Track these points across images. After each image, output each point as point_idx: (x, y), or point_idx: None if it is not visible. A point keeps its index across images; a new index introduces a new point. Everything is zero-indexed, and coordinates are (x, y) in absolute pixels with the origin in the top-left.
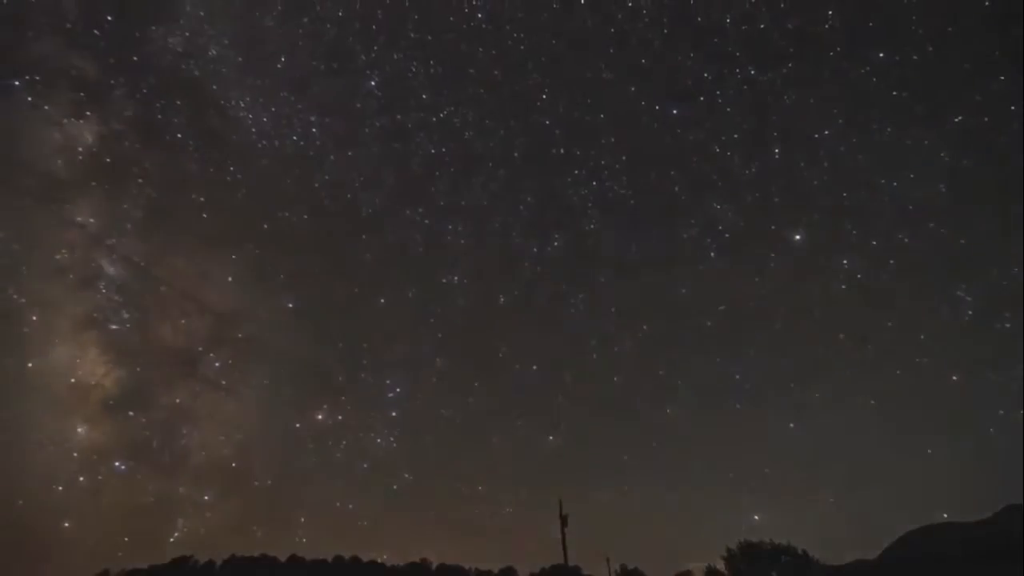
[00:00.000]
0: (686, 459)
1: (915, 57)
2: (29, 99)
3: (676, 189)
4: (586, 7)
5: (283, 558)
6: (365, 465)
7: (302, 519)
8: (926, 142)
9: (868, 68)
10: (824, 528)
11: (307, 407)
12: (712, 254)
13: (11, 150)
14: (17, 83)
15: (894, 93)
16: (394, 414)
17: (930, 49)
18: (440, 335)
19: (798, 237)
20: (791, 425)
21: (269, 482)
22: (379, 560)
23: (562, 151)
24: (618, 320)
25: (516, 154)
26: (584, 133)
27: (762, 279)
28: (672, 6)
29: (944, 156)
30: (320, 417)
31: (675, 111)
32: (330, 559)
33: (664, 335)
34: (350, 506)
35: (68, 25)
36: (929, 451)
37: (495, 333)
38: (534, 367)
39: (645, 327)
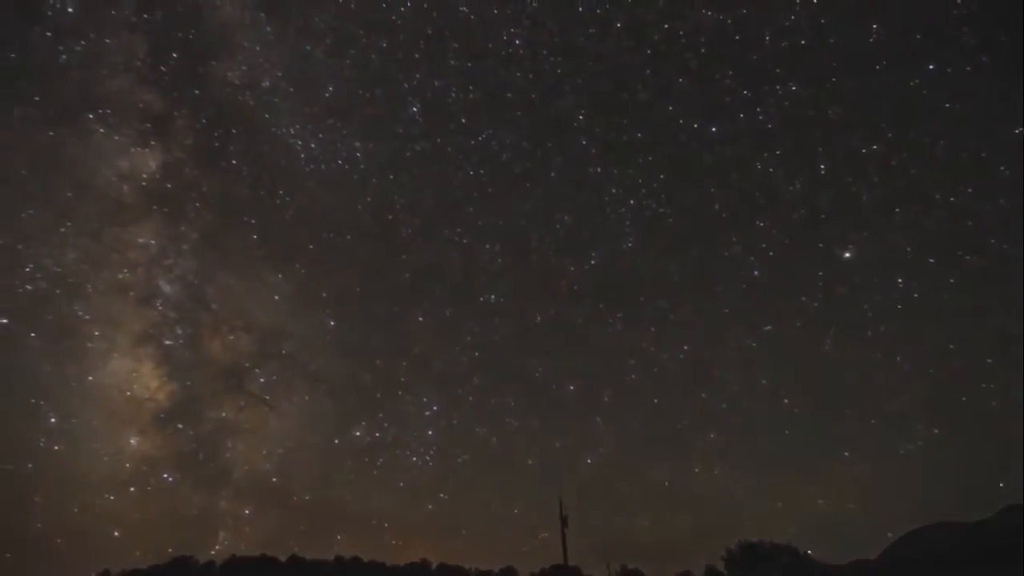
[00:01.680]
0: (732, 490)
1: (968, 68)
2: (101, 131)
3: (716, 207)
4: (622, 30)
5: (283, 558)
6: (401, 484)
7: (339, 536)
8: (983, 155)
9: (918, 81)
10: (824, 528)
11: (346, 423)
12: (755, 272)
13: (84, 177)
14: (91, 116)
15: (947, 105)
16: (431, 432)
17: (984, 59)
18: (477, 353)
19: (848, 255)
20: (846, 453)
21: (307, 498)
22: (379, 560)
23: (599, 170)
24: (657, 340)
25: (553, 174)
26: (621, 152)
27: (809, 298)
28: (709, 26)
29: (1004, 169)
30: (358, 434)
31: (714, 128)
32: (331, 559)
33: (706, 356)
34: (386, 524)
35: (138, 63)
36: (930, 451)
37: (532, 352)
38: (571, 387)
39: (686, 347)
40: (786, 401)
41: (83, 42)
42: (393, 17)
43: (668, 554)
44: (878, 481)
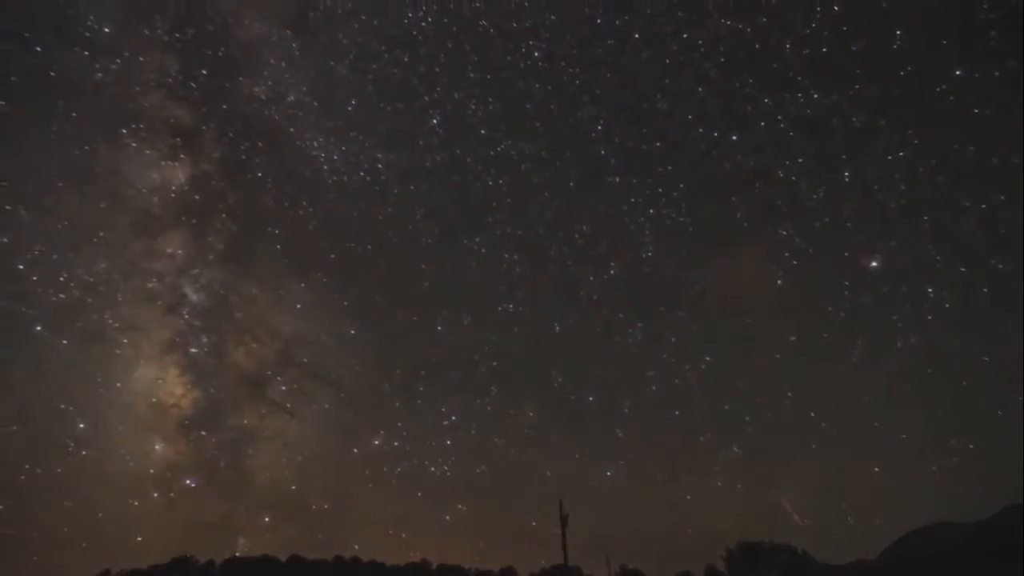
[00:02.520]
0: (761, 503)
1: (996, 73)
2: (133, 145)
3: (738, 215)
4: (640, 41)
5: (283, 558)
6: (419, 493)
7: (356, 546)
8: (1014, 160)
9: (944, 86)
10: (827, 527)
11: (365, 432)
12: (779, 282)
13: (116, 189)
14: (124, 131)
15: (976, 111)
16: (449, 442)
17: (1013, 64)
18: (495, 363)
19: (875, 264)
20: (875, 469)
21: (326, 506)
22: (379, 560)
23: (617, 180)
24: (678, 351)
25: (572, 184)
26: (640, 162)
27: (836, 308)
28: (728, 36)
29: None
30: (377, 443)
31: (734, 137)
32: (330, 559)
33: (729, 367)
34: (403, 535)
35: (169, 80)
36: (930, 451)
37: (550, 362)
38: (590, 398)
39: (708, 358)
40: (812, 414)
41: (118, 60)
42: (415, 33)
43: (668, 554)
44: (903, 489)
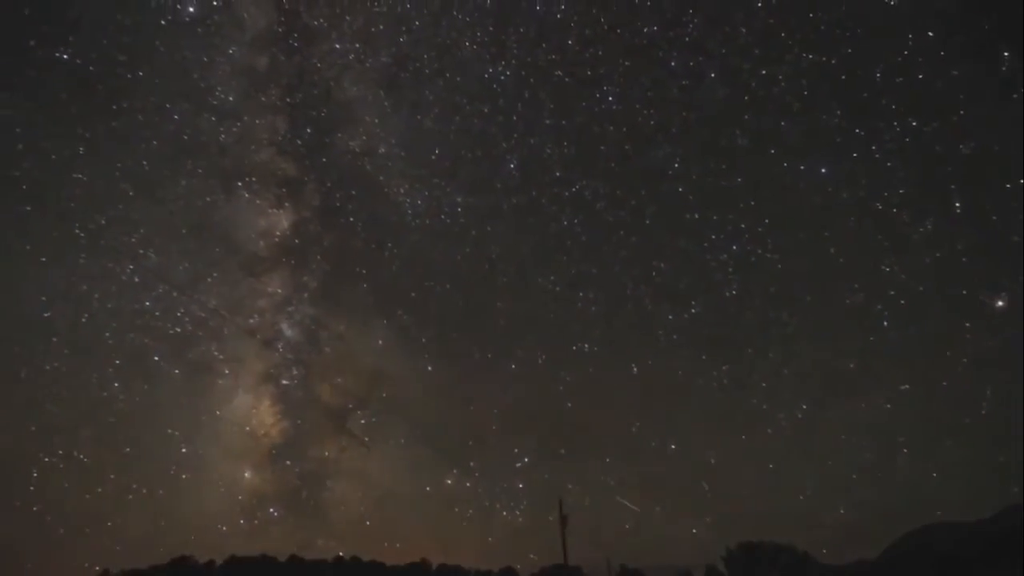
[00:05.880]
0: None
1: None
2: (246, 195)
3: (832, 251)
4: (717, 80)
5: (283, 558)
6: (490, 539)
7: None
8: None
9: None
10: (824, 528)
11: (438, 470)
12: (884, 323)
13: (230, 235)
14: (240, 184)
15: None
16: (521, 485)
17: None
18: (569, 404)
19: (1000, 303)
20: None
21: (398, 545)
22: (379, 560)
23: (696, 216)
24: (770, 397)
25: (648, 221)
26: (720, 198)
27: (956, 354)
28: (810, 69)
29: None
30: (449, 482)
31: (823, 170)
32: (330, 559)
33: (832, 418)
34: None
35: (279, 138)
36: (930, 451)
37: (628, 405)
38: (672, 446)
39: (804, 406)
40: (934, 475)
41: (239, 124)
42: (494, 86)
43: (668, 554)
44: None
